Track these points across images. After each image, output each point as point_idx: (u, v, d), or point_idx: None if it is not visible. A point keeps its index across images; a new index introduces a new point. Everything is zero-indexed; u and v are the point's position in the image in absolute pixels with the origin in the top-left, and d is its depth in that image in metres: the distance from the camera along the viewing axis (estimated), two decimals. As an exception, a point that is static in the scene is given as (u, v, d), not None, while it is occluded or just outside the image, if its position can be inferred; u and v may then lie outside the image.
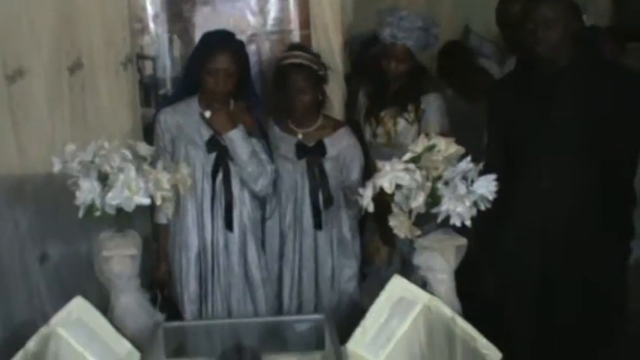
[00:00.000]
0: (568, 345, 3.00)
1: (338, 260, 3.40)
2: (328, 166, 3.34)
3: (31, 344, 2.54)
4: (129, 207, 2.78)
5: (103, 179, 2.80)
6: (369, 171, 3.17)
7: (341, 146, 3.35)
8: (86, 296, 2.78)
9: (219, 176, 3.26)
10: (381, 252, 3.49)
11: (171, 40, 3.68)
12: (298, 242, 3.38)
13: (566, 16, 2.90)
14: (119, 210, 2.80)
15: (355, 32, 3.98)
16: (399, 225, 2.79)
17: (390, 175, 2.73)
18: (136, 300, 2.93)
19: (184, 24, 3.66)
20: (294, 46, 3.47)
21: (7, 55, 3.40)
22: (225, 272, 3.31)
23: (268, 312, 3.37)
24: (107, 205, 2.77)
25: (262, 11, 3.67)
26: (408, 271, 2.97)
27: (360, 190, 2.83)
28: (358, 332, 2.81)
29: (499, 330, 2.68)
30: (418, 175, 2.72)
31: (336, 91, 3.56)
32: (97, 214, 2.80)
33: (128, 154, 2.86)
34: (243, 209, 3.31)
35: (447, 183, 2.73)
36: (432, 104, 3.56)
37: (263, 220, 3.40)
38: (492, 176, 2.72)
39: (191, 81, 3.28)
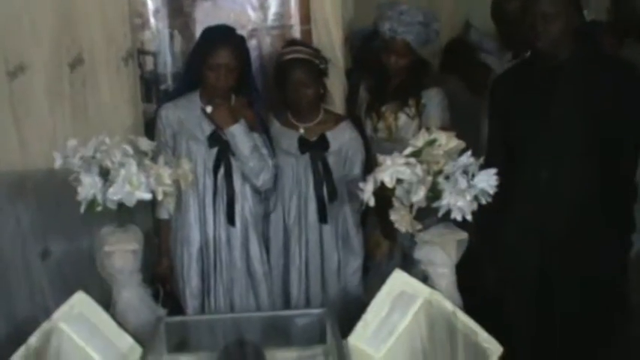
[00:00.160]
0: (569, 339, 3.00)
1: (343, 254, 3.42)
2: (331, 160, 3.35)
3: (33, 339, 2.55)
4: (130, 202, 2.79)
5: (105, 174, 2.81)
6: (370, 165, 3.18)
7: (343, 140, 3.36)
8: (88, 291, 2.79)
9: (221, 171, 3.27)
10: (382, 246, 3.49)
11: (172, 36, 3.67)
12: (304, 237, 3.39)
13: (567, 10, 2.90)
14: (120, 205, 2.81)
15: (356, 27, 3.98)
16: (400, 219, 2.79)
17: (391, 170, 2.74)
18: (137, 295, 2.94)
19: (185, 19, 3.65)
20: (293, 41, 3.48)
21: (8, 51, 3.41)
22: (228, 267, 3.32)
23: (274, 307, 3.38)
24: (108, 200, 2.78)
25: (263, 6, 3.66)
26: (409, 265, 2.98)
27: (361, 185, 2.84)
28: (359, 326, 2.82)
29: (500, 324, 2.68)
30: (419, 170, 2.72)
31: (336, 86, 3.56)
32: (99, 209, 2.81)
33: (129, 149, 2.87)
34: (245, 204, 3.32)
35: (447, 177, 2.73)
36: (433, 99, 3.55)
37: (267, 215, 3.40)
38: (493, 170, 2.72)
39: (192, 76, 3.28)
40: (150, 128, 3.42)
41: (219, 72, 3.15)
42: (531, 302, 3.08)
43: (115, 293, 2.91)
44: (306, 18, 3.65)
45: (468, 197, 2.68)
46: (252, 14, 3.67)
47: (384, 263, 3.48)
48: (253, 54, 3.48)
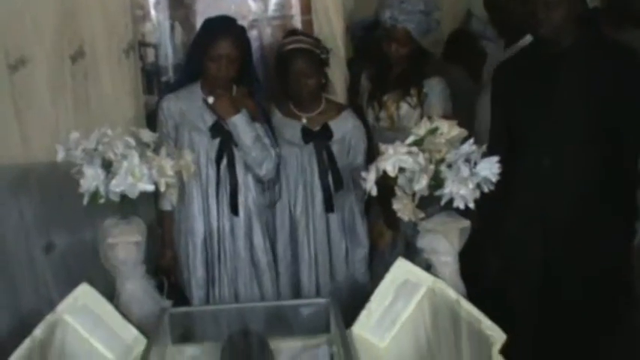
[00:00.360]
0: (572, 327, 3.00)
1: (350, 243, 3.43)
2: (335, 149, 3.36)
3: (38, 331, 2.55)
4: (133, 194, 2.78)
5: (107, 167, 2.81)
6: (372, 154, 3.18)
7: (346, 128, 3.37)
8: (92, 283, 2.79)
9: (224, 162, 3.28)
10: (385, 235, 3.50)
11: (172, 27, 3.67)
12: (311, 226, 3.40)
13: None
14: (123, 197, 2.80)
15: (357, 17, 3.97)
16: (403, 208, 2.79)
17: (394, 159, 2.73)
18: (141, 286, 2.94)
19: (185, 10, 3.65)
20: (294, 31, 3.48)
21: (10, 44, 3.41)
22: (232, 257, 3.33)
23: (278, 296, 3.40)
24: (111, 192, 2.78)
25: (263, -4, 3.68)
26: (412, 253, 2.98)
27: (363, 174, 2.84)
28: (363, 315, 2.82)
29: (503, 312, 2.67)
30: (421, 158, 2.72)
31: (338, 76, 3.56)
32: (101, 201, 2.81)
33: (131, 141, 2.86)
34: (248, 194, 3.33)
35: (450, 165, 2.72)
36: (435, 88, 3.54)
37: (272, 205, 3.41)
38: (495, 158, 2.72)
39: (193, 67, 3.28)
40: (152, 120, 3.42)
41: (221, 63, 3.15)
42: (534, 290, 3.07)
43: (119, 285, 2.91)
44: (306, 8, 3.65)
45: (471, 185, 2.67)
46: (253, 5, 3.68)
47: (387, 252, 3.49)
48: (254, 44, 3.48)
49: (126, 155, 2.79)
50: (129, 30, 3.50)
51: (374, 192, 2.80)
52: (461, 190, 2.67)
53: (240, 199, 3.31)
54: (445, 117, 3.14)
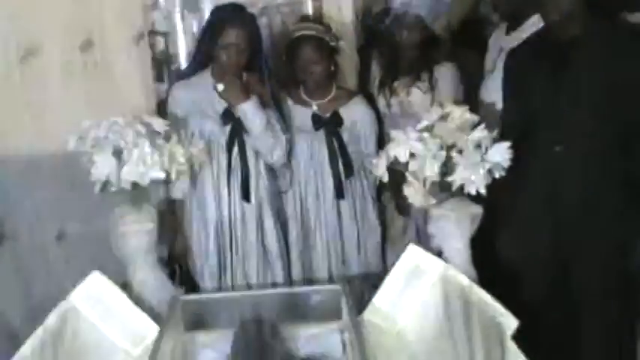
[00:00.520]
0: (584, 314, 2.98)
1: (362, 229, 3.43)
2: (345, 135, 3.37)
3: (50, 320, 2.55)
4: (144, 181, 2.79)
5: (118, 155, 2.81)
6: (382, 141, 3.17)
7: (356, 115, 3.37)
8: (104, 272, 2.80)
9: (235, 149, 3.27)
10: (396, 222, 3.49)
11: (182, 15, 3.67)
12: (323, 213, 3.41)
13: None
14: (135, 185, 2.81)
15: (367, 3, 3.96)
16: (414, 194, 2.78)
17: (405, 145, 2.73)
18: (153, 274, 2.94)
19: (195, -2, 3.66)
20: (304, 18, 3.47)
21: (20, 34, 3.42)
22: (243, 244, 3.34)
23: (289, 282, 3.41)
24: (123, 180, 2.78)
25: (273, -16, 3.66)
26: (423, 240, 2.97)
27: (374, 160, 2.84)
28: (375, 301, 2.82)
29: (515, 298, 2.66)
30: (432, 144, 2.71)
31: (348, 63, 3.56)
32: (113, 189, 2.81)
33: (142, 129, 2.86)
34: (260, 181, 3.33)
35: (461, 151, 2.72)
36: (446, 73, 3.54)
37: (283, 191, 3.42)
38: (506, 144, 2.70)
39: (203, 55, 3.28)
40: (162, 108, 3.43)
41: (230, 51, 3.15)
42: (546, 277, 3.06)
43: (131, 273, 2.92)
44: (316, -5, 3.64)
45: (482, 171, 2.67)
46: (263, -8, 3.67)
47: (399, 238, 3.48)
48: (264, 32, 3.46)
49: (137, 143, 2.79)
50: (139, 19, 3.51)
51: (385, 178, 2.80)
52: (472, 176, 2.67)
53: (252, 185, 3.31)
54: (456, 102, 3.13)
